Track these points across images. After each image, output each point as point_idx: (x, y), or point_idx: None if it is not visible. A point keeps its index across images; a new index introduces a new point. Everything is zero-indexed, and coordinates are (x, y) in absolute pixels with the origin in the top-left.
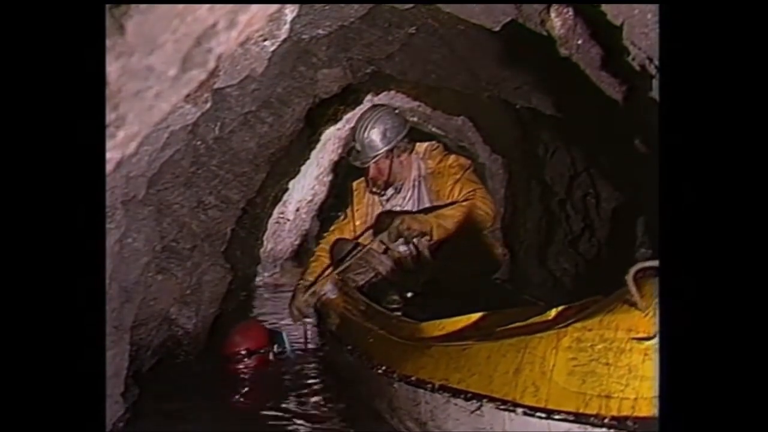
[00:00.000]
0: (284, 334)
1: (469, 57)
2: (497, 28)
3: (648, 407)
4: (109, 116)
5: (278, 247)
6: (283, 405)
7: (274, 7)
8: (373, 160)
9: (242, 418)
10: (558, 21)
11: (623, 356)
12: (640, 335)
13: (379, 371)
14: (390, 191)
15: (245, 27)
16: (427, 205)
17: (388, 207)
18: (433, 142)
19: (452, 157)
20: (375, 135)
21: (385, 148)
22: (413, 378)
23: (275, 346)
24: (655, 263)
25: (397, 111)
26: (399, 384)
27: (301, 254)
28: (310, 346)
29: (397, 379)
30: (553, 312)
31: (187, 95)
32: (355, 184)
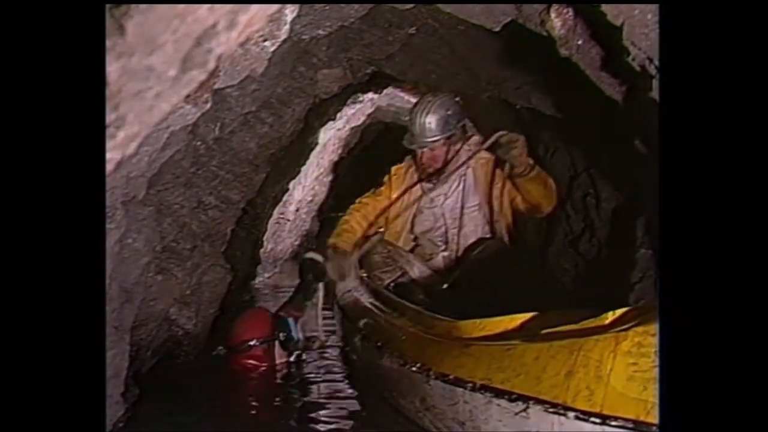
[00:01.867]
0: (291, 321)
1: (469, 57)
2: (497, 29)
3: None
4: (109, 116)
5: (278, 248)
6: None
7: (274, 7)
8: (430, 145)
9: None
10: (558, 21)
11: None
12: None
13: (413, 369)
14: (440, 178)
15: (245, 27)
16: (473, 199)
17: (431, 196)
18: (486, 135)
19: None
20: (435, 119)
21: (444, 135)
22: (451, 376)
23: (281, 334)
24: None
25: (457, 98)
26: (435, 382)
27: (300, 255)
28: (317, 334)
29: (433, 377)
30: (610, 315)
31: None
32: (394, 168)
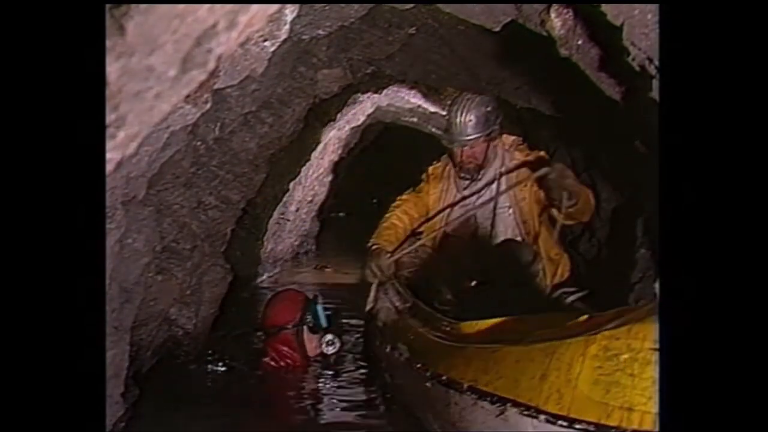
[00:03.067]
0: (320, 308)
1: (469, 57)
2: (497, 29)
3: None
4: (110, 117)
5: (278, 248)
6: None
7: (274, 7)
8: (470, 143)
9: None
10: (558, 21)
11: (648, 368)
12: None
13: (417, 367)
14: (475, 176)
15: (245, 27)
16: (505, 201)
17: (464, 194)
18: (519, 137)
19: (543, 152)
20: (474, 117)
21: (485, 132)
22: (444, 377)
23: (309, 319)
24: None
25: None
26: (432, 383)
27: (300, 255)
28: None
29: (430, 377)
30: (584, 318)
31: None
32: (431, 168)
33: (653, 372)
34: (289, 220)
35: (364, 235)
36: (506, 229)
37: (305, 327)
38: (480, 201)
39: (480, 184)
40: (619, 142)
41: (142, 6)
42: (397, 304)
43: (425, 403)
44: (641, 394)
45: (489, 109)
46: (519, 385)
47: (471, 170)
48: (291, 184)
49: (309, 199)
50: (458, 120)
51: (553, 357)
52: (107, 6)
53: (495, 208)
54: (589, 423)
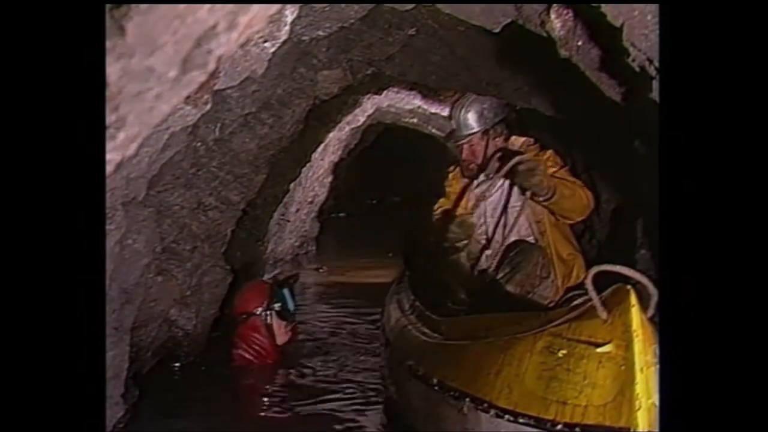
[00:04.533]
0: (286, 291)
1: (469, 58)
2: (497, 30)
3: (596, 415)
4: (110, 118)
5: (278, 249)
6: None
7: (274, 8)
8: (467, 140)
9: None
10: (558, 22)
11: (581, 363)
12: (598, 342)
13: (402, 365)
14: (482, 177)
15: (245, 28)
16: (516, 200)
17: (477, 192)
18: (530, 138)
19: (549, 152)
20: (472, 114)
21: (481, 128)
22: (420, 373)
23: (277, 305)
24: (614, 267)
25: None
26: (413, 379)
27: (300, 256)
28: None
29: (407, 370)
30: (541, 315)
31: (188, 97)
32: (450, 174)
33: (586, 367)
34: (289, 221)
35: (363, 235)
36: (519, 228)
37: (274, 312)
38: (489, 200)
39: (488, 184)
40: (619, 142)
41: (142, 7)
42: (405, 303)
43: (408, 400)
44: (573, 388)
45: (485, 106)
46: (477, 380)
47: (472, 169)
48: (291, 185)
49: (309, 200)
50: (457, 117)
51: (507, 353)
52: (107, 7)
53: (506, 207)
54: (530, 417)
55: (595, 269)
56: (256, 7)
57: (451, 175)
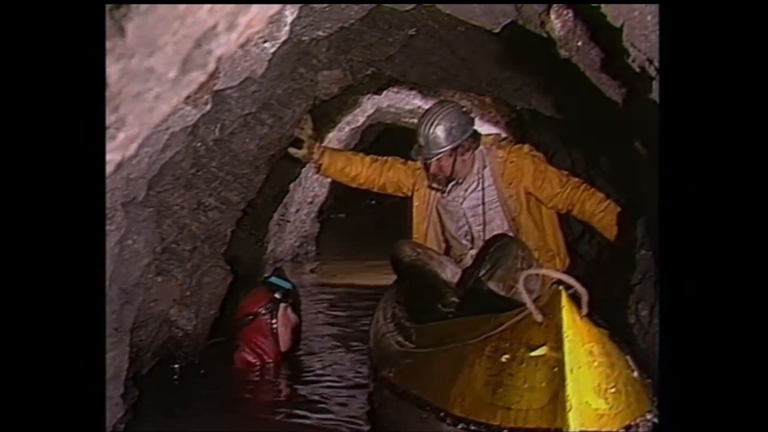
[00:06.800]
0: (273, 278)
1: (469, 58)
2: (497, 30)
3: (536, 418)
4: (110, 118)
5: (278, 249)
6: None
7: (274, 8)
8: (436, 158)
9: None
10: (558, 22)
11: (521, 367)
12: (534, 345)
13: (378, 374)
14: (450, 185)
15: (245, 29)
16: (493, 196)
17: (449, 198)
18: (499, 133)
19: (526, 146)
20: (440, 132)
21: (449, 146)
22: (391, 381)
23: (276, 294)
24: (540, 270)
25: (464, 109)
26: (386, 389)
27: (300, 256)
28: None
29: (381, 379)
30: (491, 320)
31: (187, 97)
32: (418, 169)
33: (525, 371)
34: (289, 221)
35: (363, 235)
36: (502, 223)
37: (279, 303)
38: (465, 202)
39: (462, 187)
40: (619, 143)
41: (142, 7)
42: (388, 310)
43: (386, 409)
44: (515, 392)
45: (454, 124)
46: (437, 388)
47: (441, 181)
48: (291, 185)
49: (309, 200)
50: (424, 134)
51: (462, 360)
52: (107, 7)
53: (484, 205)
54: (480, 424)
55: (525, 273)
56: (256, 7)
57: (418, 170)
